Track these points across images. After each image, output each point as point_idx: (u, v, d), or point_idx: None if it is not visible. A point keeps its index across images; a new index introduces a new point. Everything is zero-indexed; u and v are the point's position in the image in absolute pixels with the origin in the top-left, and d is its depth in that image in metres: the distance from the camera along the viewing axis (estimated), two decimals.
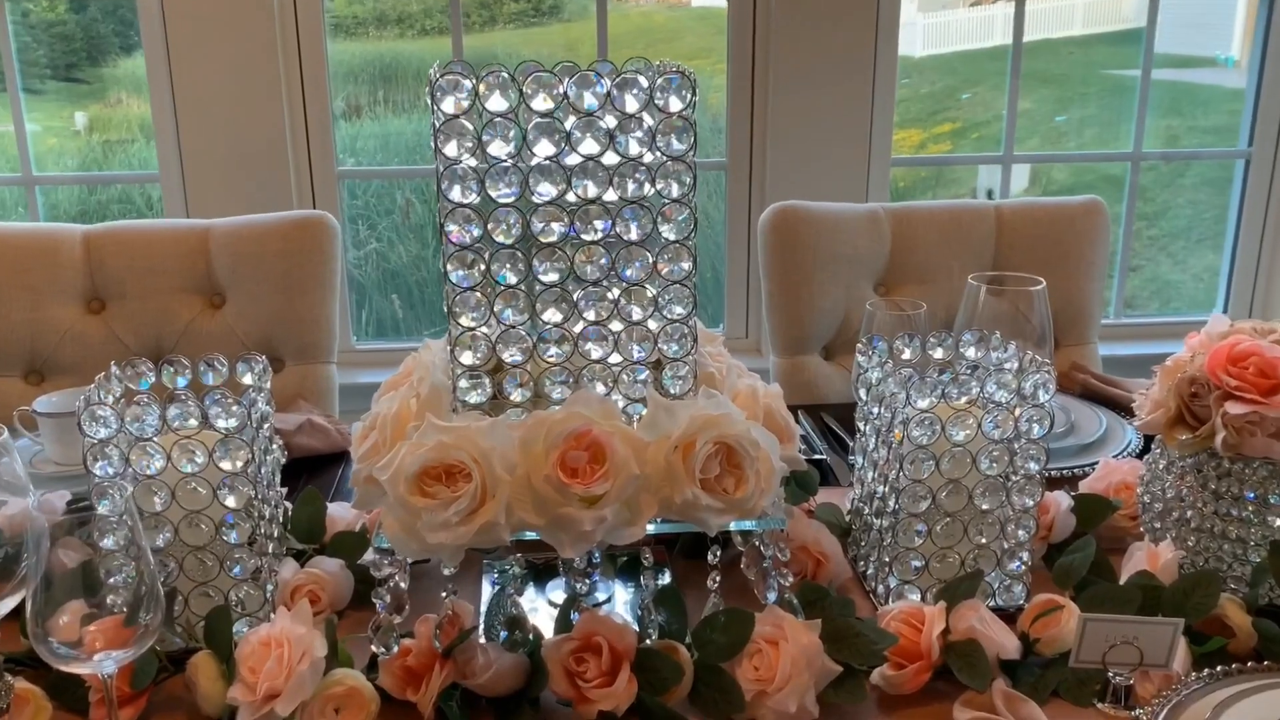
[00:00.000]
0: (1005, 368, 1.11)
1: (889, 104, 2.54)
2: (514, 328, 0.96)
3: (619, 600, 1.15)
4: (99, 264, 1.79)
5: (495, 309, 0.96)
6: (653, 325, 0.98)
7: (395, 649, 0.96)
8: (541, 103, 0.90)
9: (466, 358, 0.97)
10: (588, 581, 1.10)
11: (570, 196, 0.94)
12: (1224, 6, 3.14)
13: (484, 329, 0.97)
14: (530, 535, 0.92)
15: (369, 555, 0.98)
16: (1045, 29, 3.25)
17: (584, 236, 0.95)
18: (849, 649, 0.97)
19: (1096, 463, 1.32)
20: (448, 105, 0.90)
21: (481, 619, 1.05)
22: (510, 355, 0.97)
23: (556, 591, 1.16)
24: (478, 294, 0.95)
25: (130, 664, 0.94)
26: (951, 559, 1.08)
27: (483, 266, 0.95)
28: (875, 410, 1.12)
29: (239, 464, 1.01)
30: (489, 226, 0.94)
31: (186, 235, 1.81)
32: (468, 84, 0.90)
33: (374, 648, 0.97)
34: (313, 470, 1.48)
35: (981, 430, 1.03)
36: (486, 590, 1.15)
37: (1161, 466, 1.14)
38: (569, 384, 0.98)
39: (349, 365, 2.50)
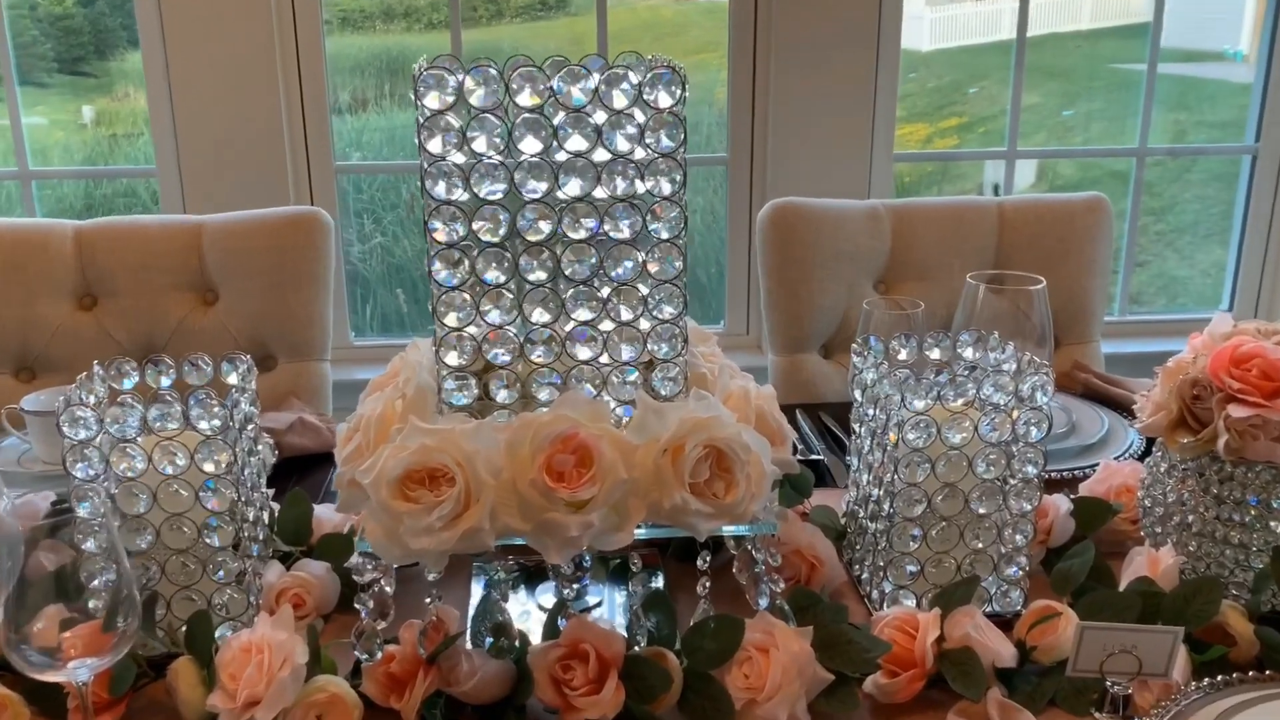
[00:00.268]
0: (1003, 369, 1.09)
1: (891, 98, 2.51)
2: (500, 328, 0.94)
3: (611, 604, 1.13)
4: (90, 260, 1.78)
5: (481, 309, 0.94)
6: (643, 325, 0.96)
7: (379, 655, 0.94)
8: (527, 98, 0.88)
9: (452, 358, 0.95)
10: (574, 587, 1.08)
11: (558, 194, 0.92)
12: (1233, 0, 3.11)
13: (471, 329, 0.95)
14: (516, 540, 0.90)
15: (354, 559, 0.96)
16: (1053, 23, 3.22)
17: (572, 235, 0.93)
18: (841, 656, 0.95)
19: (1097, 464, 1.30)
20: (431, 100, 0.88)
21: (469, 624, 1.04)
22: (496, 356, 0.95)
23: (547, 595, 1.14)
24: (464, 293, 0.94)
25: (108, 670, 0.92)
26: (947, 564, 1.06)
27: (468, 265, 0.93)
28: (870, 412, 1.10)
29: (221, 466, 0.99)
30: (474, 224, 0.92)
31: (179, 231, 1.80)
32: (452, 79, 0.88)
33: (357, 654, 0.95)
34: (304, 470, 1.47)
35: (978, 433, 1.01)
36: (477, 594, 1.14)
37: (1163, 470, 1.12)
38: (557, 385, 0.96)
39: (346, 362, 2.48)
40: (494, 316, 0.94)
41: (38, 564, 0.84)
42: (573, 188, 0.92)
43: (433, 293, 0.93)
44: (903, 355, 1.14)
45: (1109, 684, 0.92)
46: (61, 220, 1.82)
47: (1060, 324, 1.90)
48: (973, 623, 0.97)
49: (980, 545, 1.05)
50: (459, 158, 0.91)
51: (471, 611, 1.08)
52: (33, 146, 3.02)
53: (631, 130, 0.91)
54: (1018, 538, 1.05)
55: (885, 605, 1.06)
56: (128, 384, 1.07)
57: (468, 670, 0.92)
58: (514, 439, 0.88)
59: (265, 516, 1.13)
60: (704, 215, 3.11)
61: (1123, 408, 1.57)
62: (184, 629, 0.98)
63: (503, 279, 0.93)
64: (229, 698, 0.90)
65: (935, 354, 1.15)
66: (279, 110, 2.39)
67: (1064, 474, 1.36)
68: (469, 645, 0.97)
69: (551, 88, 0.89)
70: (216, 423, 0.99)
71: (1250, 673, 0.97)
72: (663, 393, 0.97)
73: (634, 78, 0.90)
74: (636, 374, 0.96)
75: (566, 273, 0.93)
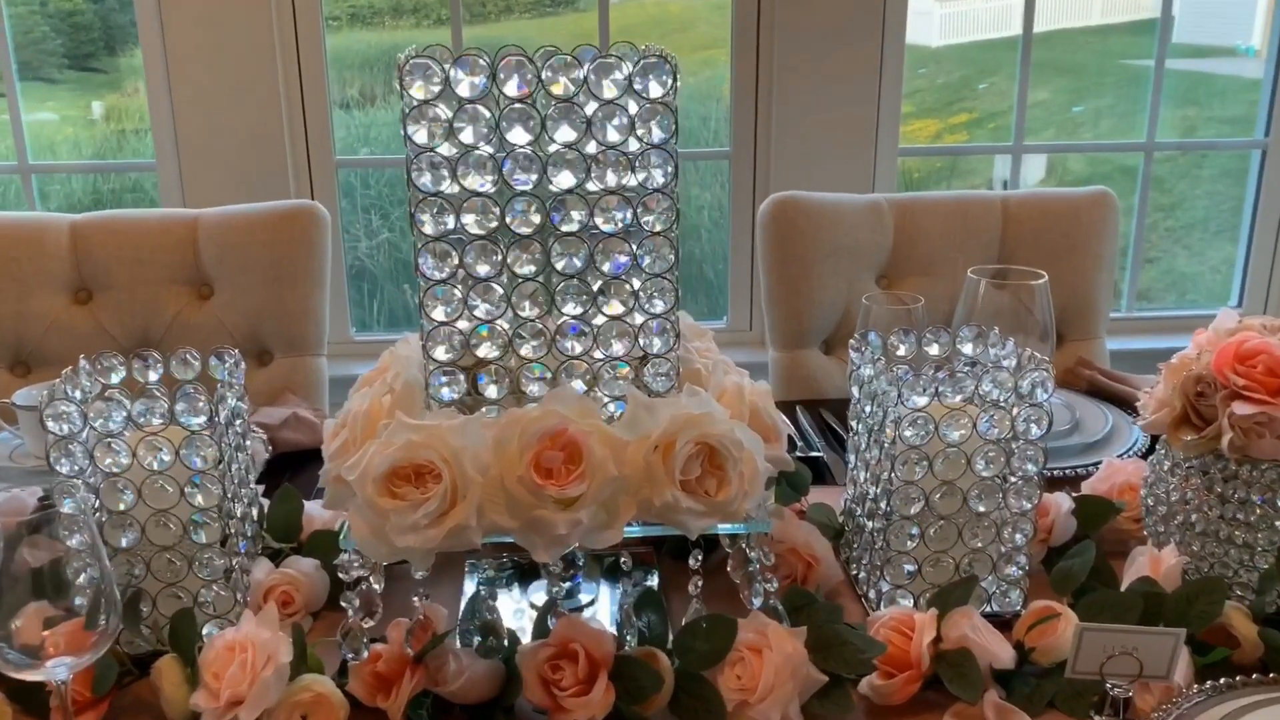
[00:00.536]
0: (1003, 365, 1.07)
1: (896, 92, 2.49)
2: (489, 322, 0.93)
3: (604, 603, 1.12)
4: (86, 254, 1.77)
5: (469, 303, 0.92)
6: (634, 320, 0.94)
7: (365, 654, 0.93)
8: (515, 88, 0.87)
9: (440, 353, 0.94)
10: (563, 586, 1.06)
11: (549, 187, 0.90)
12: None
13: (461, 323, 0.93)
14: (507, 538, 0.89)
15: (341, 557, 0.95)
16: (1062, 19, 3.20)
17: (562, 227, 0.91)
18: (835, 657, 0.93)
19: (1100, 462, 1.28)
20: (416, 90, 0.86)
21: (459, 623, 1.02)
22: (485, 351, 0.93)
23: (540, 593, 1.12)
24: (452, 287, 0.92)
25: (91, 669, 0.91)
26: (945, 563, 1.04)
27: (456, 258, 0.91)
28: (868, 408, 1.08)
29: (207, 462, 0.98)
30: (462, 217, 0.90)
31: (174, 225, 1.79)
32: (438, 68, 0.86)
33: (343, 652, 0.94)
34: (298, 466, 1.45)
35: (977, 430, 1.00)
36: (470, 592, 1.12)
37: (1166, 468, 1.10)
38: (546, 381, 0.94)
39: (345, 357, 2.47)
40: (482, 311, 0.92)
41: (21, 561, 0.83)
42: (563, 180, 0.90)
43: (420, 286, 0.92)
44: (901, 351, 1.13)
45: (1109, 686, 0.90)
46: (57, 214, 1.81)
47: (1065, 320, 1.88)
48: (970, 623, 0.95)
49: (979, 544, 1.03)
50: (447, 149, 0.90)
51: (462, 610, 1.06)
52: (42, 142, 3.02)
53: (622, 121, 0.89)
54: (1017, 537, 1.04)
55: (882, 605, 1.05)
56: (115, 379, 1.06)
57: (455, 670, 0.91)
58: (502, 435, 0.87)
59: (254, 513, 1.12)
60: (711, 211, 3.09)
61: (1127, 405, 1.55)
62: (168, 627, 0.97)
63: (490, 273, 0.92)
64: (212, 697, 0.89)
65: (935, 350, 1.13)
66: (279, 105, 2.38)
67: (1066, 472, 1.34)
68: (458, 644, 0.95)
69: (540, 77, 0.87)
70: (202, 418, 0.97)
71: (1254, 675, 0.95)
72: (655, 388, 0.96)
73: (625, 68, 0.88)
74: (628, 369, 0.95)
75: (557, 266, 0.92)
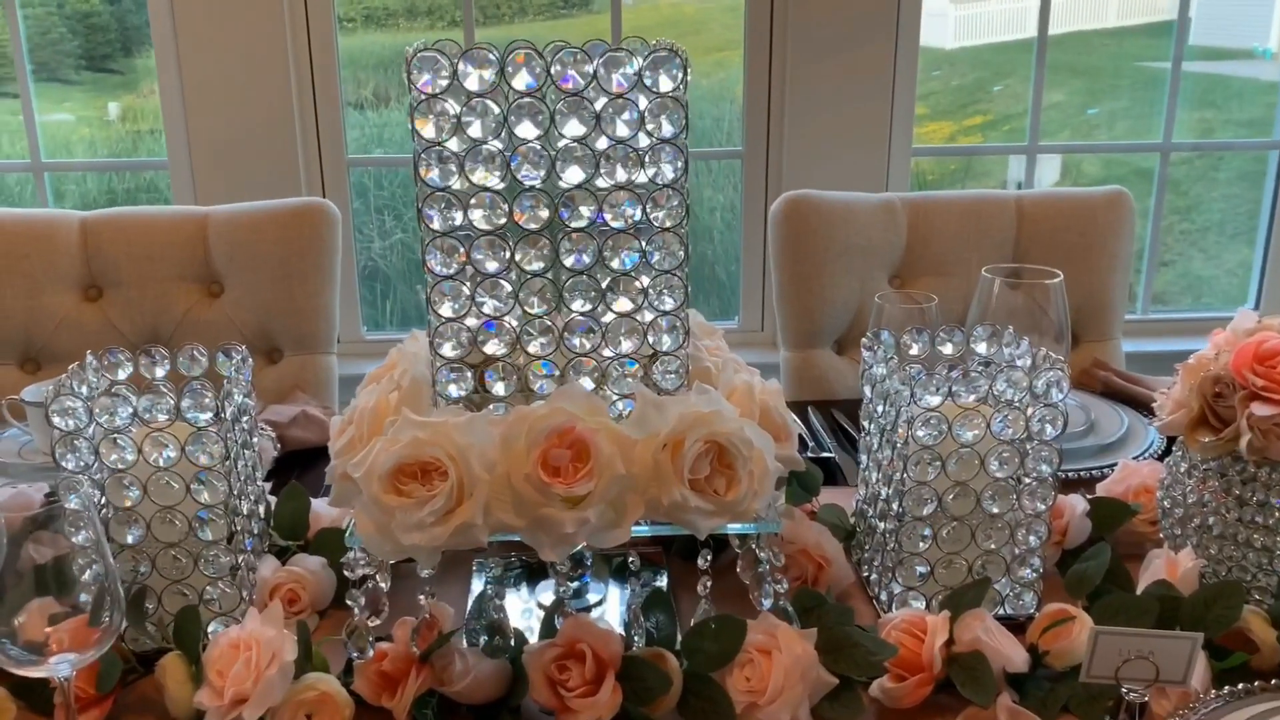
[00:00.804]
0: (1017, 365, 1.06)
1: (910, 92, 2.47)
2: (496, 319, 0.92)
3: (613, 603, 1.11)
4: (96, 250, 1.77)
5: (477, 299, 0.91)
6: (643, 317, 0.93)
7: (371, 652, 0.92)
8: (522, 81, 0.86)
9: (447, 350, 0.93)
10: (570, 585, 1.05)
11: (559, 183, 0.89)
12: None
13: (469, 320, 0.92)
14: (514, 536, 0.88)
15: (348, 555, 0.94)
16: (1078, 20, 3.18)
17: (571, 223, 0.90)
18: (846, 659, 0.92)
19: (1116, 464, 1.26)
20: (424, 84, 0.86)
21: (465, 622, 1.01)
22: (492, 348, 0.92)
23: (548, 593, 1.11)
24: (459, 283, 0.91)
25: (95, 666, 0.91)
26: (958, 565, 1.03)
27: (464, 254, 0.90)
28: (880, 408, 1.07)
29: (213, 458, 0.97)
30: (470, 212, 0.89)
31: (184, 222, 1.79)
32: (446, 62, 0.86)
33: (348, 651, 0.93)
34: (307, 463, 1.45)
35: (991, 430, 0.98)
36: (478, 591, 1.11)
37: (1183, 470, 1.08)
38: (555, 378, 0.93)
39: (356, 356, 2.47)
40: (490, 307, 0.92)
41: (26, 556, 0.83)
42: (572, 175, 0.89)
43: (427, 282, 0.91)
44: (914, 350, 1.11)
45: (1125, 691, 0.89)
46: (68, 211, 1.81)
47: (1080, 321, 1.87)
48: (983, 626, 0.94)
49: (992, 546, 1.02)
50: (456, 144, 0.89)
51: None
52: (58, 142, 3.03)
53: (632, 116, 0.88)
54: (1031, 539, 1.02)
55: (894, 607, 1.03)
56: (122, 374, 1.05)
57: (461, 669, 0.90)
58: (509, 432, 0.86)
59: (261, 510, 1.11)
60: (723, 213, 3.08)
61: (1143, 406, 1.53)
62: (173, 624, 0.96)
63: (500, 269, 0.91)
64: (216, 695, 0.88)
65: (948, 349, 1.11)
66: (291, 104, 2.38)
67: (1081, 474, 1.32)
68: (464, 644, 0.95)
69: (550, 71, 0.86)
70: (209, 414, 0.97)
71: (1273, 681, 0.93)
72: (664, 386, 0.95)
73: (635, 62, 0.87)
74: (636, 366, 0.94)
75: (565, 263, 0.91)
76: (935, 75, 3.37)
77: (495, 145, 0.88)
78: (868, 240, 1.87)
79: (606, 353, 0.94)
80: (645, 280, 0.92)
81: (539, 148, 0.88)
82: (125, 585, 0.98)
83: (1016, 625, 0.99)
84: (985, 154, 3.26)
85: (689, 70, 0.88)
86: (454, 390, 0.93)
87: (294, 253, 1.77)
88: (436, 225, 0.90)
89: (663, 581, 1.13)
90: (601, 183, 0.90)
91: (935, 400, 0.98)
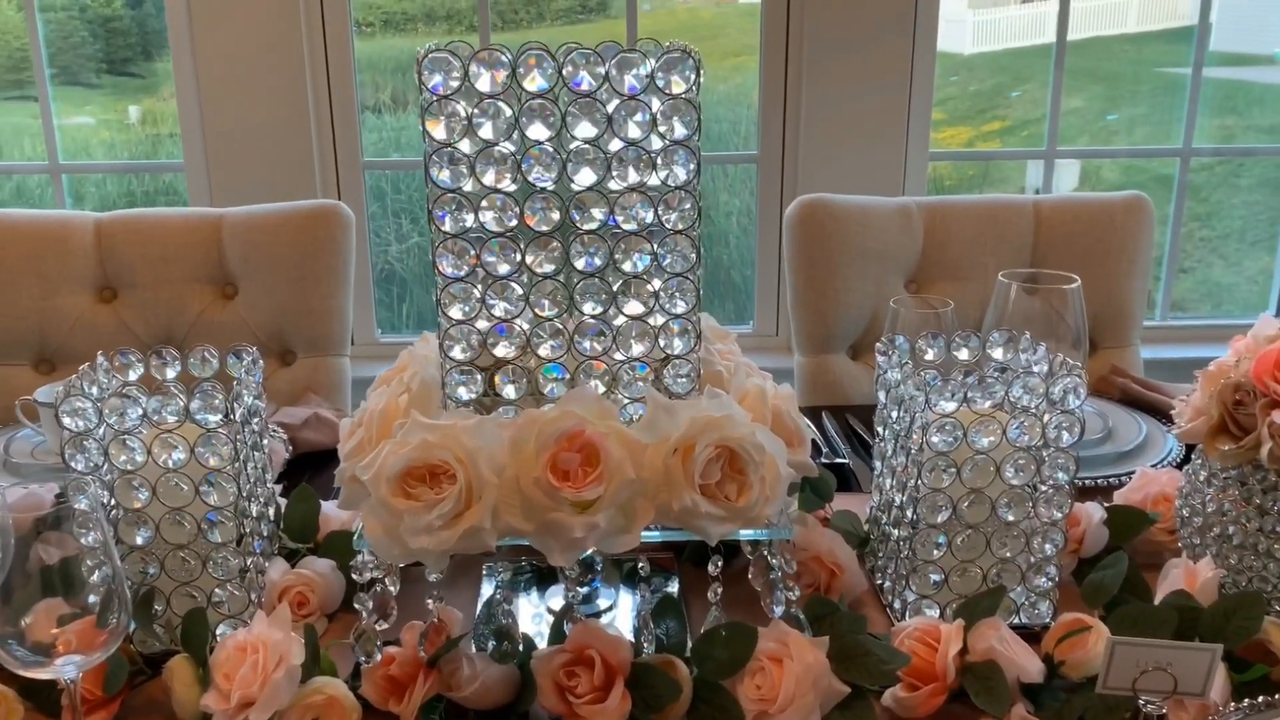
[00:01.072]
0: (1034, 370, 1.05)
1: (927, 96, 2.46)
2: (506, 321, 0.91)
3: (624, 609, 1.10)
4: (110, 252, 1.77)
5: (487, 302, 0.91)
6: (655, 321, 0.92)
7: (378, 657, 0.91)
8: (534, 83, 0.85)
9: (457, 352, 0.92)
10: (579, 591, 1.04)
11: (571, 185, 0.88)
12: None
13: (481, 322, 0.92)
14: (524, 540, 0.87)
15: (357, 558, 0.94)
16: (1098, 26, 3.16)
17: (582, 226, 0.89)
18: (858, 668, 0.91)
19: (1134, 472, 1.24)
20: (435, 85, 0.85)
21: (474, 627, 1.01)
22: (502, 350, 0.92)
23: (558, 598, 1.11)
24: (470, 286, 0.90)
25: (102, 667, 0.90)
26: (973, 573, 1.01)
27: (474, 256, 0.89)
28: (894, 414, 1.05)
29: (223, 460, 0.97)
30: (480, 214, 0.88)
31: (199, 224, 1.79)
32: (457, 62, 0.85)
33: (356, 655, 0.93)
34: (319, 466, 1.44)
35: (1007, 437, 0.97)
36: (487, 595, 1.10)
37: (1202, 478, 1.06)
38: (565, 381, 0.93)
39: (370, 359, 2.47)
40: (501, 310, 0.91)
41: (35, 557, 0.82)
42: (584, 177, 0.88)
43: (438, 284, 0.90)
44: (929, 355, 1.10)
45: (1142, 703, 0.87)
46: (82, 212, 1.81)
47: (1097, 327, 1.85)
48: (998, 635, 0.92)
49: (1008, 554, 1.01)
50: (467, 146, 0.88)
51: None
52: (79, 145, 3.05)
53: (644, 118, 0.87)
54: (1047, 547, 1.01)
55: (908, 615, 1.02)
56: (133, 375, 1.05)
57: (469, 675, 0.89)
58: (518, 436, 0.85)
59: (270, 512, 1.11)
60: (740, 218, 3.08)
61: (1161, 414, 1.51)
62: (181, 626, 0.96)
63: (510, 271, 0.90)
64: (223, 698, 0.87)
65: (964, 354, 1.10)
66: (307, 107, 2.38)
67: (1098, 481, 1.31)
68: (473, 649, 0.94)
69: (561, 73, 0.86)
70: (218, 416, 0.96)
71: None
72: (675, 390, 0.94)
73: (648, 64, 0.86)
74: (648, 370, 0.93)
75: (576, 265, 0.90)
76: (953, 81, 3.36)
77: (507, 147, 0.88)
78: (883, 244, 1.86)
79: (618, 356, 0.93)
80: (657, 284, 0.91)
81: (550, 149, 0.87)
82: (133, 587, 0.97)
83: (1032, 635, 0.98)
84: (1002, 159, 3.24)
85: (702, 72, 0.87)
86: (464, 393, 0.93)
87: (308, 255, 1.77)
88: (447, 227, 0.89)
89: (674, 588, 1.12)
90: (613, 185, 0.89)
91: (950, 406, 0.97)
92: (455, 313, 0.91)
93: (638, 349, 0.92)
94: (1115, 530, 1.11)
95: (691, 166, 0.89)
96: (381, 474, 0.84)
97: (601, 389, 0.93)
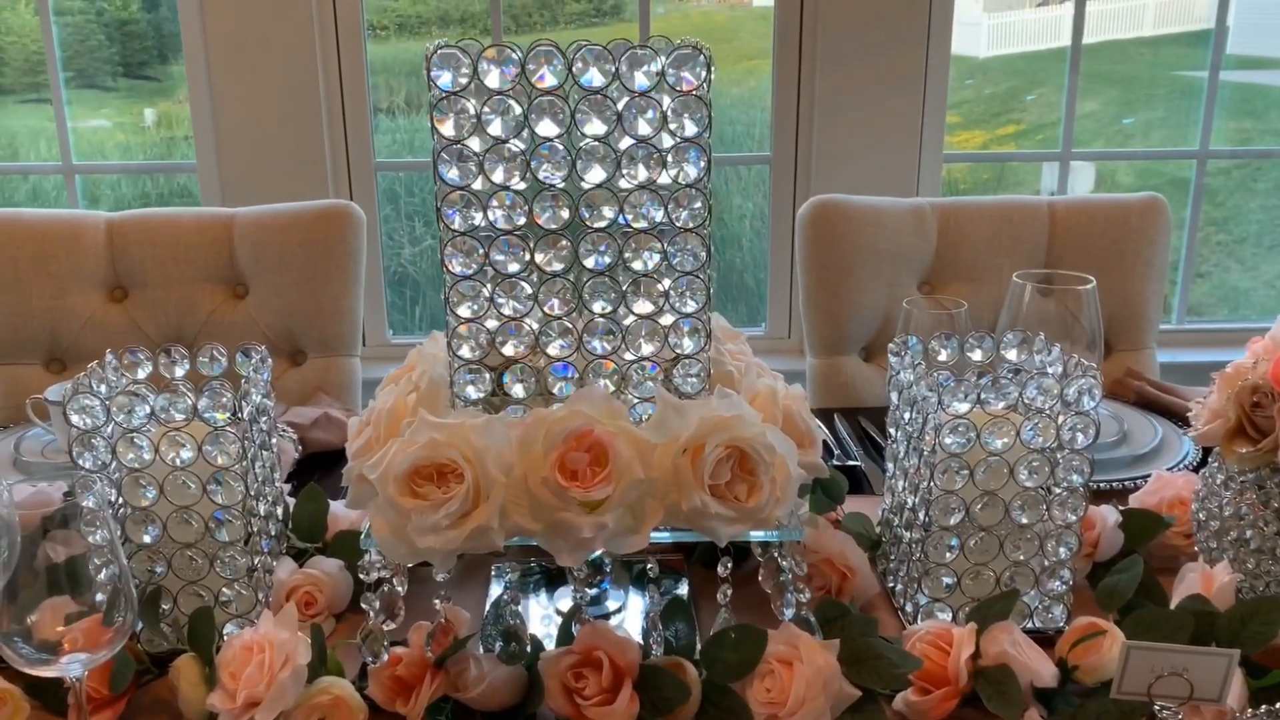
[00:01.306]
0: (1048, 371, 1.03)
1: (941, 98, 2.45)
2: (515, 320, 0.90)
3: (633, 611, 1.09)
4: (121, 251, 1.77)
5: (496, 300, 0.90)
6: (664, 320, 0.92)
7: (385, 657, 0.91)
8: (543, 79, 0.84)
9: (465, 351, 0.92)
10: (588, 592, 1.04)
11: (582, 183, 0.88)
12: None
13: (489, 321, 0.91)
14: (532, 540, 0.86)
15: (364, 558, 0.93)
16: (1114, 29, 3.15)
17: (592, 224, 0.89)
18: (869, 672, 0.90)
19: (1149, 475, 1.23)
20: (444, 80, 0.85)
21: (482, 628, 1.00)
22: (511, 349, 0.91)
23: (567, 599, 1.10)
24: (478, 284, 0.90)
25: (109, 666, 0.90)
26: (986, 576, 1.00)
27: (483, 254, 0.89)
28: (907, 415, 1.04)
29: (230, 458, 0.97)
30: (489, 212, 0.88)
31: (210, 224, 1.79)
32: (466, 59, 0.84)
33: (363, 655, 0.92)
34: (329, 466, 1.44)
35: (1020, 438, 0.96)
36: (496, 596, 1.10)
37: (1219, 481, 1.05)
38: (573, 380, 0.92)
39: (382, 360, 2.46)
40: (509, 308, 0.90)
41: (42, 555, 0.82)
42: (593, 175, 0.88)
43: (446, 282, 0.90)
44: (943, 356, 1.09)
45: (1157, 708, 0.86)
46: (94, 212, 1.82)
47: (1113, 329, 1.83)
48: (1010, 639, 0.91)
49: (1021, 557, 0.99)
50: (477, 144, 0.88)
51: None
52: (95, 148, 3.06)
53: (654, 115, 0.86)
54: (1061, 550, 1.00)
55: (920, 619, 1.01)
56: (141, 374, 1.05)
57: (476, 676, 0.88)
58: (526, 435, 0.85)
59: (279, 512, 1.11)
60: (753, 221, 3.07)
61: (1177, 417, 1.50)
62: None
63: (519, 269, 0.90)
64: (229, 697, 0.87)
65: (977, 355, 1.09)
66: (319, 109, 2.38)
67: (1114, 485, 1.30)
68: (480, 649, 0.93)
69: (571, 69, 0.85)
70: (226, 414, 0.96)
71: None
72: (684, 390, 0.93)
73: (658, 61, 0.86)
74: (657, 370, 0.92)
75: (585, 263, 0.90)
76: (968, 84, 3.35)
77: (517, 145, 0.87)
78: (897, 245, 1.84)
79: (627, 356, 0.92)
80: (667, 283, 0.91)
81: (560, 147, 0.87)
82: (140, 585, 0.97)
83: (1045, 639, 0.97)
84: (1017, 160, 3.22)
85: (713, 68, 0.86)
86: (472, 392, 0.92)
87: (318, 255, 1.77)
88: (456, 225, 0.88)
89: (684, 590, 1.12)
90: (623, 183, 0.88)
91: (963, 407, 0.96)
92: (464, 311, 0.91)
93: (647, 348, 0.92)
94: (1130, 534, 1.10)
95: (702, 164, 0.88)
96: (389, 473, 0.84)
97: (611, 388, 0.92)
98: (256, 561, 1.01)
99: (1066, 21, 2.51)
